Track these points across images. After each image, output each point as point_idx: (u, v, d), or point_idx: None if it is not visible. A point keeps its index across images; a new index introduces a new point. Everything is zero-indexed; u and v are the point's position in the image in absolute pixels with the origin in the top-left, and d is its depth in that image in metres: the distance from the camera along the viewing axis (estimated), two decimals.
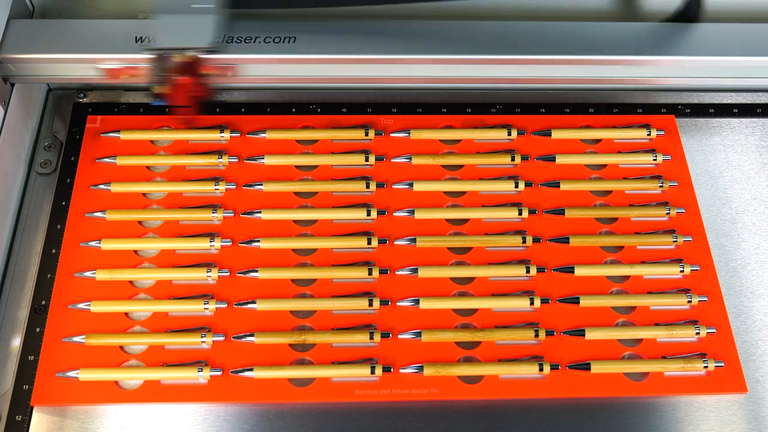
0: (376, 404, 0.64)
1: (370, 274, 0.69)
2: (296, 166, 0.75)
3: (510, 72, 0.76)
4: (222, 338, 0.66)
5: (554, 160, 0.76)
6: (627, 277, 0.71)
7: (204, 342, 0.66)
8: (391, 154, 0.76)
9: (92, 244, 0.70)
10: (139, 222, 0.72)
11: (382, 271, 0.70)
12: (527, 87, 0.81)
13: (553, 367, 0.65)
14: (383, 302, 0.68)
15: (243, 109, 0.79)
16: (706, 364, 0.66)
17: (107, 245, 0.70)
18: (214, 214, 0.72)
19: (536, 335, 0.67)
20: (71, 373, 0.64)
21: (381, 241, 0.71)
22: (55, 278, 0.69)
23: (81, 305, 0.67)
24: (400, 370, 0.65)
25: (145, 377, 0.64)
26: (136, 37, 0.72)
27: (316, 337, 0.66)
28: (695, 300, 0.69)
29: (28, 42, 0.72)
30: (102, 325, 0.67)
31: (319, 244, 0.71)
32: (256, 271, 0.69)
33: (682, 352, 0.67)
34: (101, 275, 0.69)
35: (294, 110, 0.79)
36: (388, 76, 0.76)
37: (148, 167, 0.75)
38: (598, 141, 0.78)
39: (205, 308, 0.67)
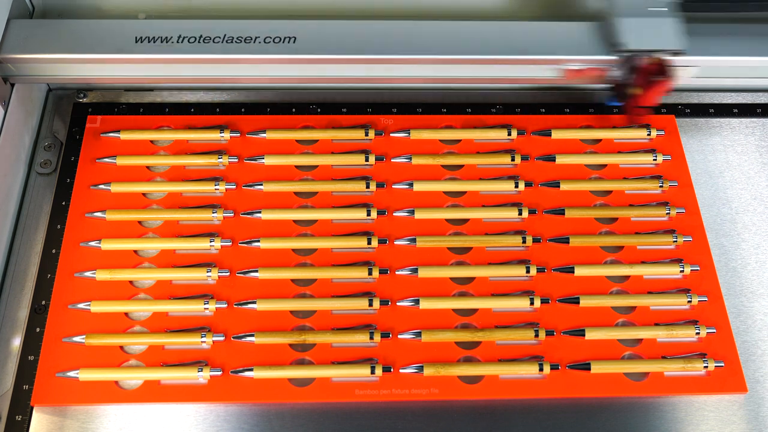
0: (376, 404, 0.64)
1: (370, 274, 0.69)
2: (296, 166, 0.75)
3: (509, 72, 0.76)
4: (222, 338, 0.66)
5: (554, 160, 0.76)
6: (627, 277, 0.71)
7: (204, 342, 0.66)
8: (391, 154, 0.76)
9: (92, 244, 0.70)
10: (139, 222, 0.72)
11: (382, 271, 0.70)
12: (527, 87, 0.81)
13: (553, 367, 0.65)
14: (383, 302, 0.68)
15: (243, 109, 0.79)
16: (706, 364, 0.66)
17: (107, 245, 0.70)
18: (214, 214, 0.72)
19: (536, 335, 0.67)
20: (71, 373, 0.64)
21: (381, 241, 0.71)
22: (55, 278, 0.69)
23: (81, 305, 0.67)
24: (400, 370, 0.65)
25: (145, 377, 0.64)
26: (136, 38, 0.72)
27: (316, 337, 0.66)
28: (695, 300, 0.69)
29: (28, 42, 0.72)
30: (102, 325, 0.67)
31: (319, 244, 0.71)
32: (256, 271, 0.69)
33: (682, 352, 0.67)
34: (101, 275, 0.69)
35: (294, 110, 0.79)
36: (388, 76, 0.76)
37: (148, 167, 0.75)
38: (598, 141, 0.78)
39: (205, 308, 0.67)
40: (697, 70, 0.75)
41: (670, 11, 0.73)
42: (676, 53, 0.72)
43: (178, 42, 0.73)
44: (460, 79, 0.77)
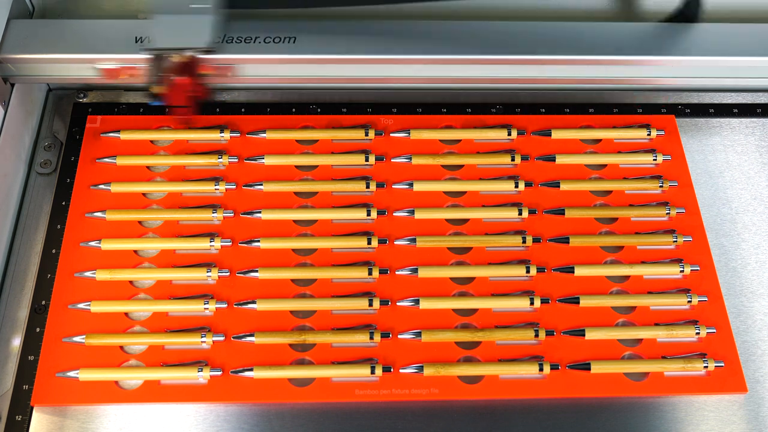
0: (376, 404, 0.64)
1: (370, 274, 0.69)
2: (296, 166, 0.75)
3: (510, 72, 0.76)
4: (222, 338, 0.66)
5: (554, 160, 0.76)
6: (627, 277, 0.71)
7: (204, 342, 0.66)
8: (391, 154, 0.76)
9: (92, 244, 0.70)
10: (139, 222, 0.72)
11: (382, 271, 0.70)
12: (527, 87, 0.81)
13: (553, 367, 0.65)
14: (383, 302, 0.68)
15: (243, 109, 0.79)
16: (706, 364, 0.66)
17: (107, 245, 0.70)
18: (214, 214, 0.72)
19: (536, 335, 0.67)
20: (71, 373, 0.64)
21: (381, 241, 0.71)
22: (55, 278, 0.69)
23: (81, 305, 0.67)
24: (400, 370, 0.65)
25: (145, 377, 0.64)
26: (135, 37, 0.72)
27: (316, 337, 0.66)
28: (695, 300, 0.69)
29: (28, 42, 0.72)
30: (102, 325, 0.67)
31: (319, 244, 0.71)
32: (256, 271, 0.69)
33: (682, 352, 0.67)
34: (101, 275, 0.69)
35: (294, 110, 0.79)
36: (388, 76, 0.76)
37: (148, 167, 0.75)
38: (598, 141, 0.78)
39: (205, 308, 0.67)
40: (678, 70, 0.74)
41: (212, 8, 0.71)
42: (208, 51, 0.70)
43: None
44: (463, 79, 0.77)
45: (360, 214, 0.73)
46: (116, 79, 0.74)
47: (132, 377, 0.65)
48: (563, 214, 0.73)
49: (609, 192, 0.75)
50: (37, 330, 0.66)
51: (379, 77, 0.76)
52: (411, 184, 0.74)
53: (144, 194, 0.73)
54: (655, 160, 0.76)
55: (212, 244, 0.71)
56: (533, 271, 0.70)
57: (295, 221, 0.72)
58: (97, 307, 0.67)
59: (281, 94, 0.81)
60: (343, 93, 0.81)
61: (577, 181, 0.75)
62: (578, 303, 0.69)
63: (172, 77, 0.70)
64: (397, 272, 0.70)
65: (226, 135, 0.76)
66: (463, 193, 0.75)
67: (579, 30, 0.75)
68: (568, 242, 0.72)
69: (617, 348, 0.67)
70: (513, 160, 0.76)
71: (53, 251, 0.70)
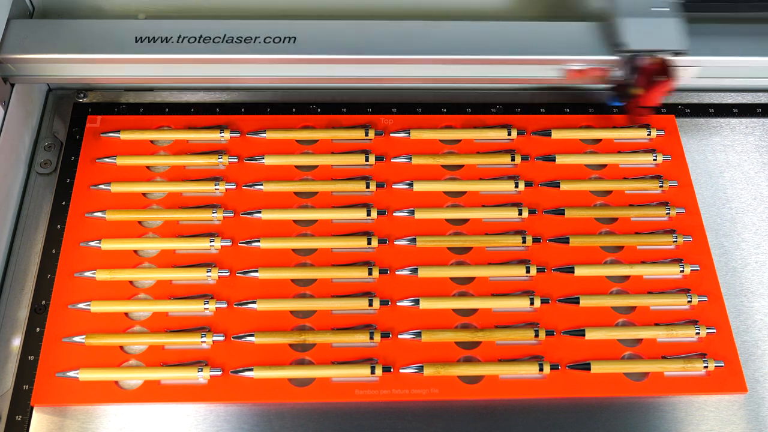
0: (376, 404, 0.64)
1: (370, 274, 0.69)
2: (296, 166, 0.75)
3: (510, 72, 0.76)
4: (222, 338, 0.66)
5: (554, 160, 0.76)
6: (627, 277, 0.71)
7: (204, 342, 0.66)
8: (391, 154, 0.76)
9: (92, 244, 0.70)
10: (139, 222, 0.72)
11: (382, 271, 0.70)
12: (527, 87, 0.81)
13: (553, 367, 0.65)
14: (383, 302, 0.68)
15: (243, 109, 0.79)
16: (706, 364, 0.66)
17: (107, 245, 0.70)
18: (214, 214, 0.72)
19: (536, 335, 0.67)
20: (71, 373, 0.64)
21: (381, 241, 0.71)
22: (55, 278, 0.69)
23: (81, 305, 0.67)
24: (400, 370, 0.65)
25: (145, 377, 0.64)
26: (136, 38, 0.72)
27: (316, 337, 0.66)
28: (695, 300, 0.69)
29: (28, 42, 0.72)
30: (102, 325, 0.67)
31: (319, 244, 0.71)
32: (256, 271, 0.69)
33: (682, 352, 0.67)
34: (101, 275, 0.69)
35: (294, 110, 0.79)
36: (388, 76, 0.76)
37: (148, 167, 0.75)
38: (598, 141, 0.78)
39: (205, 308, 0.67)
40: (698, 70, 0.75)
41: (672, 11, 0.73)
42: (677, 53, 0.72)
43: (178, 42, 0.72)
44: (462, 79, 0.77)
45: (360, 214, 0.73)
46: (579, 80, 0.76)
47: (132, 377, 0.65)
48: (563, 214, 0.73)
49: (609, 192, 0.75)
50: (37, 330, 0.66)
51: (379, 77, 0.76)
52: (411, 184, 0.74)
53: (144, 194, 0.73)
54: (655, 160, 0.76)
55: (212, 244, 0.71)
56: (533, 271, 0.70)
57: (295, 221, 0.73)
58: (97, 307, 0.67)
59: (281, 94, 0.81)
60: (343, 93, 0.81)
61: (577, 181, 0.75)
62: (578, 303, 0.69)
63: (654, 79, 0.72)
64: (397, 272, 0.70)
65: (226, 135, 0.76)
66: (463, 193, 0.75)
67: (581, 30, 0.75)
68: (568, 242, 0.72)
69: (617, 348, 0.67)
70: (513, 160, 0.76)
71: (53, 251, 0.70)
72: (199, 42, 0.73)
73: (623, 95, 0.76)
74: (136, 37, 0.73)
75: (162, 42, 0.73)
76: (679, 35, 0.72)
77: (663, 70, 0.72)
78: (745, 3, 0.77)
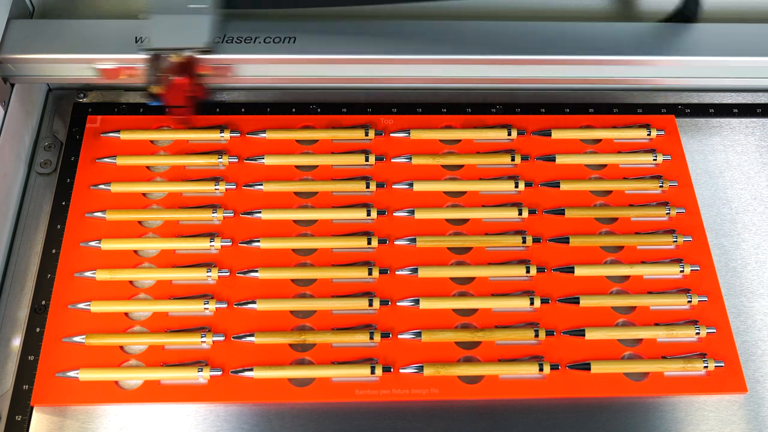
0: (376, 404, 0.64)
1: (370, 274, 0.69)
2: (296, 166, 0.75)
3: (510, 72, 0.76)
4: (222, 338, 0.66)
5: (554, 160, 0.76)
6: (627, 277, 0.71)
7: (204, 342, 0.66)
8: (391, 154, 0.76)
9: (92, 244, 0.70)
10: (139, 222, 0.72)
11: (382, 271, 0.70)
12: (527, 87, 0.81)
13: (553, 367, 0.65)
14: (383, 302, 0.68)
15: (243, 109, 0.79)
16: (706, 364, 0.66)
17: (107, 245, 0.70)
18: (214, 214, 0.72)
19: (536, 335, 0.67)
20: (71, 373, 0.64)
21: (381, 241, 0.71)
22: (55, 278, 0.69)
23: (81, 305, 0.67)
24: (400, 370, 0.65)
25: (145, 377, 0.64)
26: (135, 37, 0.72)
27: (316, 337, 0.66)
28: (695, 300, 0.69)
29: (28, 42, 0.72)
30: (102, 325, 0.67)
31: (319, 244, 0.71)
32: (256, 271, 0.69)
33: (682, 352, 0.67)
34: (101, 275, 0.69)
35: (294, 110, 0.79)
36: (388, 76, 0.76)
37: (148, 167, 0.75)
38: (598, 141, 0.78)
39: (205, 308, 0.67)
40: (678, 70, 0.74)
41: (211, 8, 0.71)
42: (206, 51, 0.70)
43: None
44: (442, 79, 0.77)
45: (360, 214, 0.73)
46: (115, 79, 0.74)
47: (132, 377, 0.65)
48: (563, 214, 0.73)
49: (609, 192, 0.75)
50: (37, 330, 0.66)
51: (379, 77, 0.76)
52: (411, 184, 0.74)
53: (144, 194, 0.73)
54: (655, 160, 0.76)
55: (212, 244, 0.71)
56: (533, 271, 0.70)
57: (295, 221, 0.72)
58: (97, 307, 0.67)
59: (281, 94, 0.81)
60: (343, 93, 0.81)
61: (577, 181, 0.75)
62: (578, 303, 0.69)
63: (171, 77, 0.70)
64: (397, 272, 0.70)
65: (226, 135, 0.76)
66: (463, 193, 0.75)
67: (578, 30, 0.75)
68: (568, 242, 0.72)
69: (617, 348, 0.67)
70: (513, 160, 0.76)
71: (53, 251, 0.70)
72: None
73: (151, 95, 0.72)
74: (136, 37, 0.72)
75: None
76: (210, 33, 0.70)
77: (184, 68, 0.70)
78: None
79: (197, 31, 0.70)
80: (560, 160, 0.76)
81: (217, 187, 0.73)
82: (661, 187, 0.75)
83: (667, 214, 0.74)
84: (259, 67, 0.74)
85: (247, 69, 0.75)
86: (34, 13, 0.78)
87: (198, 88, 0.71)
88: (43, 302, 0.68)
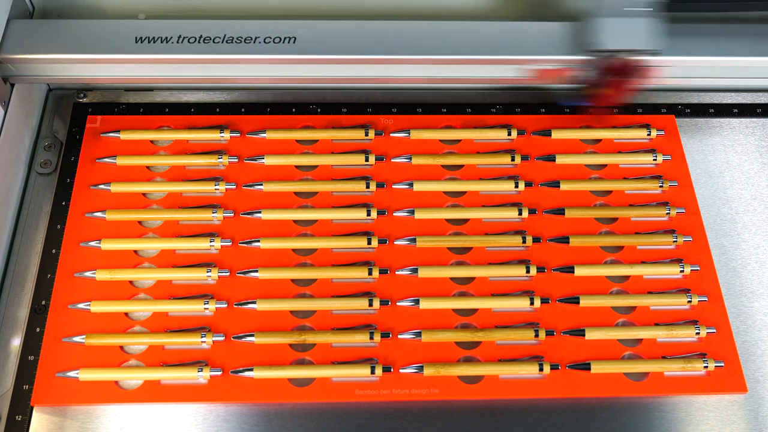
0: (376, 404, 0.64)
1: (370, 274, 0.69)
2: (296, 166, 0.75)
3: (509, 72, 0.76)
4: (222, 338, 0.66)
5: (554, 160, 0.76)
6: (627, 277, 0.71)
7: (204, 342, 0.66)
8: (391, 154, 0.76)
9: (92, 244, 0.70)
10: (139, 222, 0.72)
11: (382, 271, 0.70)
12: (529, 87, 0.81)
13: (553, 367, 0.65)
14: (383, 302, 0.68)
15: (243, 109, 0.79)
16: (706, 364, 0.66)
17: (107, 245, 0.70)
18: (214, 214, 0.72)
19: (536, 335, 0.67)
20: (71, 373, 0.64)
21: (381, 241, 0.71)
22: (55, 278, 0.69)
23: (81, 305, 0.67)
24: (400, 370, 0.65)
25: (145, 377, 0.64)
26: (136, 38, 0.72)
27: (316, 337, 0.66)
28: (695, 300, 0.69)
29: (28, 42, 0.72)
30: (102, 325, 0.67)
31: (319, 244, 0.71)
32: (256, 271, 0.69)
33: (682, 352, 0.67)
34: (101, 275, 0.69)
35: (294, 110, 0.79)
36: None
37: (148, 167, 0.75)
38: (598, 141, 0.78)
39: (205, 308, 0.67)
40: (678, 71, 0.75)
41: (647, 11, 0.72)
42: (650, 53, 0.71)
43: (178, 42, 0.73)
44: (442, 80, 0.77)
45: (360, 214, 0.73)
46: (546, 80, 0.75)
47: (132, 377, 0.65)
48: (563, 214, 0.73)
49: (609, 192, 0.75)
50: (37, 330, 0.66)
51: (376, 77, 0.76)
52: (411, 184, 0.74)
53: (144, 194, 0.73)
54: (655, 160, 0.76)
55: (212, 244, 0.71)
56: (533, 271, 0.70)
57: (295, 221, 0.72)
58: (97, 307, 0.67)
59: (281, 94, 0.81)
60: (343, 93, 0.81)
61: (577, 181, 0.75)
62: (578, 303, 0.69)
63: (617, 79, 0.71)
64: (397, 272, 0.70)
65: (226, 135, 0.76)
66: (463, 193, 0.75)
67: (551, 30, 0.74)
68: (568, 242, 0.72)
69: (617, 348, 0.67)
70: (513, 160, 0.76)
71: (53, 251, 0.70)
72: (199, 42, 0.73)
73: (590, 95, 0.75)
74: (136, 37, 0.73)
75: (162, 42, 0.73)
76: (650, 35, 0.71)
77: (631, 71, 0.71)
78: (726, 2, 0.76)
79: (642, 34, 0.71)
80: (560, 160, 0.76)
81: (217, 187, 0.73)
82: (661, 187, 0.75)
83: (667, 214, 0.74)
84: (260, 67, 0.75)
85: (247, 69, 0.75)
86: (34, 13, 0.78)
87: (633, 88, 0.73)
88: (43, 302, 0.68)
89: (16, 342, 0.66)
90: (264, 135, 0.77)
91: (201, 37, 0.73)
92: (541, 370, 0.65)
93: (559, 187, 0.75)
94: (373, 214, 0.73)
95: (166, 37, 0.73)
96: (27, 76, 0.75)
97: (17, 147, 0.74)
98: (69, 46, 0.73)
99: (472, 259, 0.71)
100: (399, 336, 0.67)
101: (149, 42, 0.72)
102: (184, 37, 0.73)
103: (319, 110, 0.79)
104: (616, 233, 0.73)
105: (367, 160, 0.75)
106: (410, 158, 0.76)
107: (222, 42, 0.72)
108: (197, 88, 0.80)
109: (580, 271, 0.70)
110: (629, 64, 0.71)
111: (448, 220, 0.73)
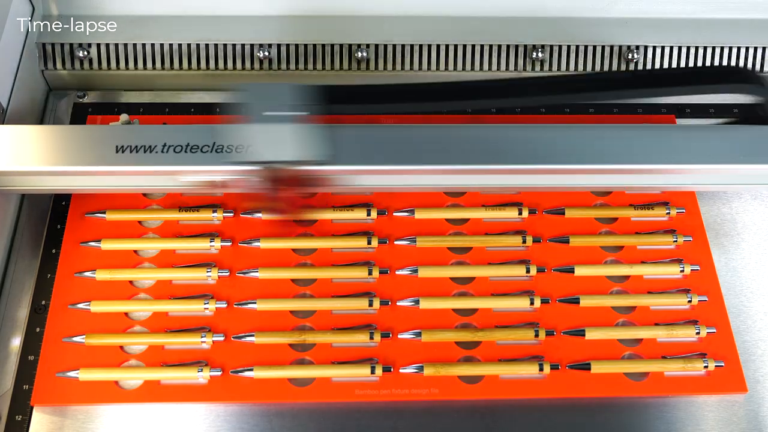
0: (376, 404, 0.64)
1: (370, 274, 0.69)
2: None
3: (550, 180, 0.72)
4: (222, 338, 0.66)
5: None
6: (627, 277, 0.70)
7: (204, 342, 0.66)
8: None
9: (92, 244, 0.70)
10: (139, 222, 0.72)
11: (382, 271, 0.70)
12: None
13: (553, 367, 0.65)
14: (383, 302, 0.68)
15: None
16: (706, 364, 0.66)
17: (107, 245, 0.70)
18: (214, 215, 0.72)
19: (536, 335, 0.67)
20: (71, 373, 0.64)
21: (381, 241, 0.71)
22: (55, 278, 0.69)
23: (81, 305, 0.67)
24: (400, 370, 0.65)
25: (145, 377, 0.64)
26: (117, 147, 0.65)
27: (316, 337, 0.66)
28: (695, 300, 0.69)
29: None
30: (102, 325, 0.67)
31: (319, 244, 0.71)
32: (256, 271, 0.69)
33: (682, 352, 0.67)
34: (101, 275, 0.69)
35: None
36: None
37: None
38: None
39: (205, 308, 0.67)
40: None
41: (296, 116, 0.64)
42: (320, 163, 0.64)
43: (163, 151, 0.65)
44: None
45: (360, 214, 0.73)
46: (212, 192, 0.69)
47: (132, 377, 0.65)
48: (563, 214, 0.73)
49: (609, 192, 0.75)
50: (37, 330, 0.66)
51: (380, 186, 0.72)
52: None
53: (144, 194, 0.73)
54: None
55: (212, 244, 0.71)
56: (533, 271, 0.70)
57: (295, 221, 0.72)
58: (97, 307, 0.67)
59: None
60: None
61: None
62: (578, 303, 0.69)
63: (283, 190, 0.64)
64: (397, 272, 0.70)
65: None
66: (463, 192, 0.75)
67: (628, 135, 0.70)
68: (568, 242, 0.72)
69: (617, 348, 0.67)
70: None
71: (53, 251, 0.70)
72: (186, 151, 0.65)
73: (264, 209, 0.69)
74: (117, 146, 0.65)
75: (145, 152, 0.65)
76: (319, 142, 0.63)
77: (297, 181, 0.64)
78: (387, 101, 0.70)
79: (307, 142, 0.64)
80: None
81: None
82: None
83: (667, 213, 0.74)
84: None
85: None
86: (34, 14, 0.78)
87: (309, 196, 0.69)
88: (43, 302, 0.68)
89: (16, 342, 0.66)
90: None
91: (188, 145, 0.65)
92: (541, 370, 0.65)
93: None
94: (373, 214, 0.73)
95: (150, 146, 0.65)
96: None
97: None
98: (44, 156, 0.65)
99: (472, 259, 0.71)
100: (399, 336, 0.67)
101: (131, 152, 0.65)
102: (169, 146, 0.65)
103: None
104: (616, 233, 0.73)
105: None
106: None
107: (211, 151, 0.65)
108: (197, 88, 0.80)
109: (580, 271, 0.70)
110: (296, 175, 0.63)
111: (448, 220, 0.73)
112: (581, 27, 0.81)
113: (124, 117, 0.71)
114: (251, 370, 0.64)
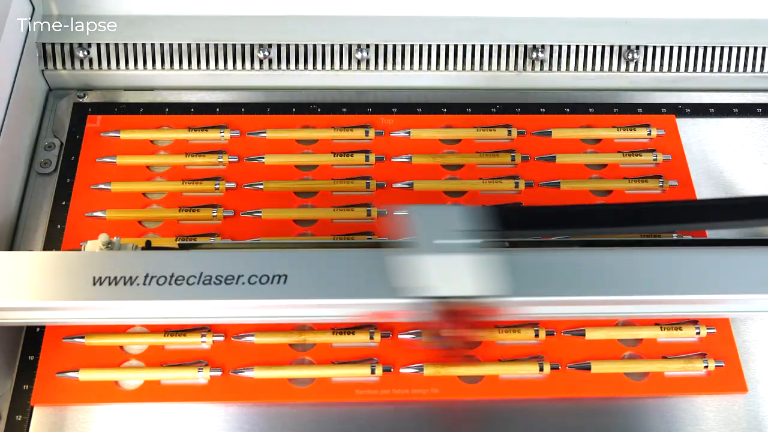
0: (376, 404, 0.64)
1: None
2: (296, 166, 0.75)
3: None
4: (222, 338, 0.66)
5: (554, 160, 0.76)
6: None
7: (204, 342, 0.66)
8: (391, 153, 0.76)
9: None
10: (140, 221, 0.72)
11: None
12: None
13: (553, 367, 0.65)
14: None
15: (243, 109, 0.79)
16: (706, 364, 0.66)
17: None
18: (214, 214, 0.72)
19: (536, 335, 0.67)
20: (71, 373, 0.64)
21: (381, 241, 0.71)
22: None
23: None
24: (400, 370, 0.65)
25: (145, 377, 0.64)
26: (94, 278, 0.58)
27: (316, 337, 0.66)
28: None
29: None
30: (102, 325, 0.67)
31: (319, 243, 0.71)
32: None
33: (682, 352, 0.67)
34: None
35: (294, 110, 0.79)
36: None
37: (148, 167, 0.75)
38: (598, 141, 0.78)
39: None
40: None
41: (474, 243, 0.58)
42: (501, 296, 0.57)
43: (144, 284, 0.58)
44: None
45: (360, 214, 0.73)
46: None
47: (132, 377, 0.65)
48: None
49: (609, 192, 0.75)
50: (37, 330, 0.66)
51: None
52: (411, 184, 0.74)
53: (144, 194, 0.73)
54: (656, 159, 0.76)
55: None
56: None
57: (295, 221, 0.72)
58: None
59: (281, 95, 0.81)
60: (343, 93, 0.81)
61: (577, 181, 0.75)
62: None
63: (455, 323, 0.58)
64: None
65: (226, 134, 0.76)
66: (463, 192, 0.75)
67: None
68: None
69: (617, 348, 0.67)
70: (513, 159, 0.76)
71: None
72: (170, 283, 0.59)
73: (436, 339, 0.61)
74: (94, 278, 0.59)
75: (125, 284, 0.58)
76: (497, 274, 0.57)
77: (469, 313, 0.58)
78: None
79: (487, 275, 0.57)
80: (560, 159, 0.76)
81: (217, 186, 0.73)
82: (661, 187, 0.75)
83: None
84: (243, 311, 0.61)
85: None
86: (34, 13, 0.78)
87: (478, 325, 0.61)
88: None
89: (16, 342, 0.66)
90: (264, 135, 0.77)
91: (173, 276, 0.59)
92: (541, 370, 0.65)
93: (559, 187, 0.75)
94: (373, 213, 0.73)
95: (131, 278, 0.59)
96: None
97: (17, 147, 0.74)
98: (9, 291, 0.59)
99: None
100: (399, 336, 0.67)
101: (109, 284, 0.58)
102: (152, 277, 0.59)
103: (319, 110, 0.79)
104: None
105: (367, 159, 0.75)
106: (410, 158, 0.76)
107: (198, 283, 0.59)
108: (198, 87, 0.81)
109: None
110: (471, 309, 0.58)
111: None
112: (581, 27, 0.81)
113: (103, 237, 0.62)
114: (251, 370, 0.64)
